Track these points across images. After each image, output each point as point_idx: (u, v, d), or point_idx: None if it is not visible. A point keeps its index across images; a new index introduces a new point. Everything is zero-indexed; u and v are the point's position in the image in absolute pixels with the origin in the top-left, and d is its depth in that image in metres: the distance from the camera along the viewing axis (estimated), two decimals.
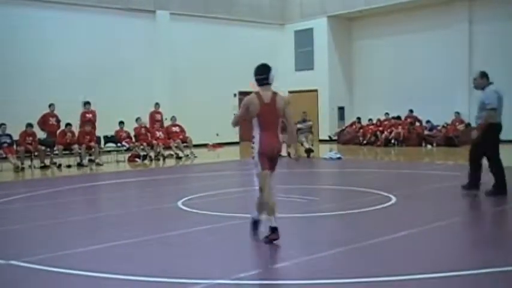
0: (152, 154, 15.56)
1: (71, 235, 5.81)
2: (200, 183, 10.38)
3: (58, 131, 14.67)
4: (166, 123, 17.04)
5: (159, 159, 15.47)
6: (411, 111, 19.48)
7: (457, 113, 18.76)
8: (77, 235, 5.80)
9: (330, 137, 21.65)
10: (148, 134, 15.89)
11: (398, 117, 19.54)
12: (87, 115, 15.32)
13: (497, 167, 7.36)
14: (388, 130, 19.05)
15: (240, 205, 7.61)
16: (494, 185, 7.40)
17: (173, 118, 16.86)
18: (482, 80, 7.42)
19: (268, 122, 5.04)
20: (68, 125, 14.71)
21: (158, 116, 16.68)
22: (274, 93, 5.09)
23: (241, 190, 8.92)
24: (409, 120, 19.21)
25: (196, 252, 4.83)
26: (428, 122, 18.94)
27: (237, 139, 21.72)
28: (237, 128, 21.83)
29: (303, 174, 11.31)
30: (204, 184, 10.13)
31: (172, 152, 16.06)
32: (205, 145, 19.72)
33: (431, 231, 5.49)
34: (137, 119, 16.00)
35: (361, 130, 20.03)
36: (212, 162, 14.86)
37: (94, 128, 15.13)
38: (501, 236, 5.41)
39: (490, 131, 7.28)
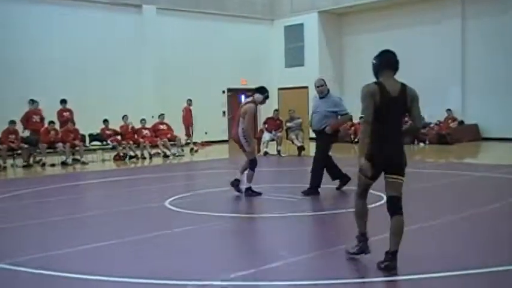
0: (139, 153, 15.49)
1: (55, 236, 5.76)
2: (188, 182, 10.35)
3: (42, 129, 14.54)
4: (154, 120, 16.97)
5: (145, 158, 15.41)
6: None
7: (449, 110, 18.88)
8: (61, 236, 5.74)
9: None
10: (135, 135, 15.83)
11: None
12: (64, 114, 15.19)
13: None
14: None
15: (229, 204, 7.59)
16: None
17: (161, 116, 16.79)
18: (325, 87, 8.01)
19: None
20: (52, 122, 14.59)
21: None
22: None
23: (231, 189, 8.86)
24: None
25: (185, 253, 4.81)
26: None
27: (226, 137, 21.69)
28: (225, 126, 21.86)
29: (293, 172, 11.32)
30: (192, 183, 10.10)
31: (159, 151, 16.01)
32: (193, 143, 19.69)
33: (423, 230, 5.51)
34: (123, 117, 15.92)
35: (353, 128, 20.08)
36: (201, 160, 14.82)
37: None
38: (499, 234, 5.44)
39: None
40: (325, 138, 7.97)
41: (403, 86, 4.20)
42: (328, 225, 6.09)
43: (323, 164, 7.97)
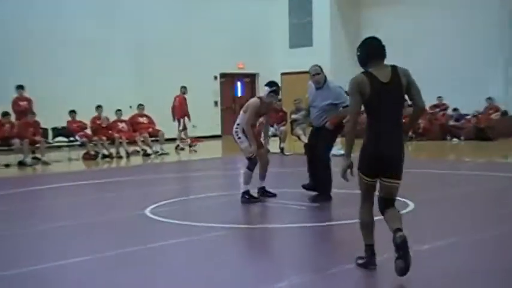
0: (113, 151, 15.51)
1: (10, 252, 5.75)
2: (173, 186, 10.36)
3: None
4: (132, 112, 16.99)
5: (121, 157, 15.43)
6: (441, 97, 19.49)
7: (490, 99, 18.90)
8: (18, 252, 5.73)
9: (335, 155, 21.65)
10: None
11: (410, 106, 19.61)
12: (21, 103, 15.07)
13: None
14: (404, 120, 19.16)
15: (222, 213, 7.60)
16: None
17: (140, 107, 16.80)
18: (321, 76, 8.00)
19: None
20: (6, 114, 14.50)
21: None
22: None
23: (224, 195, 8.89)
24: (439, 108, 19.29)
25: (168, 272, 4.82)
26: (455, 110, 19.07)
27: (218, 131, 21.70)
28: (217, 118, 21.87)
29: (299, 174, 11.32)
30: (178, 187, 10.12)
31: (138, 148, 16.02)
32: (189, 139, 19.71)
33: (459, 245, 5.52)
34: (97, 108, 15.91)
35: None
36: (188, 160, 14.81)
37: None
38: None
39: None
40: (327, 135, 7.98)
41: (393, 67, 4.46)
42: (339, 239, 6.12)
43: (328, 163, 7.99)
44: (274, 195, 8.22)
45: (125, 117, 16.56)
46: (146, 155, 15.79)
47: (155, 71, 19.94)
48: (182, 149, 17.43)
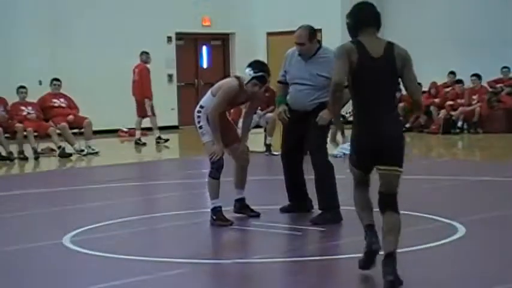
0: (14, 149, 15.38)
1: None
2: (105, 201, 10.29)
3: None
4: (43, 90, 16.85)
5: (26, 158, 15.32)
6: (507, 69, 19.73)
7: None
8: None
9: (343, 116, 21.69)
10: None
11: (459, 81, 19.70)
12: None
13: None
14: (451, 104, 19.22)
15: (177, 241, 7.63)
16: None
17: (55, 84, 16.62)
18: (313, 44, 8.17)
19: None
20: None
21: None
22: None
23: (182, 214, 8.91)
24: (498, 85, 19.41)
25: None
26: None
27: (174, 121, 21.64)
28: (173, 100, 21.79)
29: None
30: (112, 204, 10.03)
31: (53, 145, 15.94)
32: (115, 131, 19.59)
33: None
34: None
35: (402, 104, 20.12)
36: (127, 162, 14.74)
37: None
38: None
39: None
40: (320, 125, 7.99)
41: (390, 44, 5.28)
42: (340, 279, 6.17)
43: (330, 165, 8.10)
44: (257, 214, 8.21)
45: (32, 98, 16.40)
46: (65, 155, 15.68)
47: (77, 30, 19.91)
48: (158, 142, 17.60)
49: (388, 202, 5.34)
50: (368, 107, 5.24)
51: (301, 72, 8.11)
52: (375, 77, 5.18)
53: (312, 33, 8.13)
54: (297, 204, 8.33)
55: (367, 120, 5.25)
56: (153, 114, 17.73)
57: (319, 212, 8.00)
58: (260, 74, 7.82)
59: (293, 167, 8.20)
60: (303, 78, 8.08)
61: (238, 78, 8.03)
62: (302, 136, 8.02)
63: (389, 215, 5.34)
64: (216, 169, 7.88)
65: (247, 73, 7.84)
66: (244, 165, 8.12)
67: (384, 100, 5.25)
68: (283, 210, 8.35)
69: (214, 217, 7.86)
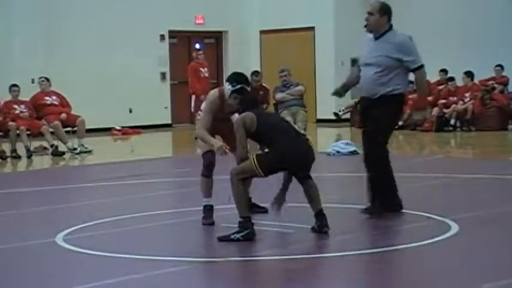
0: (7, 148, 15.37)
1: None
2: (97, 200, 10.28)
3: None
4: (35, 88, 16.81)
5: (19, 157, 15.29)
6: (499, 67, 19.68)
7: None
8: None
9: (337, 114, 21.70)
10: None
11: (451, 79, 19.69)
12: None
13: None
14: (444, 102, 19.23)
15: (170, 240, 7.64)
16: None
17: (43, 82, 16.55)
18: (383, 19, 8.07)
19: None
20: None
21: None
22: None
23: (171, 213, 8.96)
24: (491, 82, 19.38)
25: None
26: None
27: (167, 119, 21.59)
28: (166, 99, 21.76)
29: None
30: (106, 202, 10.02)
31: (46, 144, 15.88)
32: (108, 130, 19.54)
33: None
34: None
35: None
36: (122, 161, 14.72)
37: None
38: None
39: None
40: (388, 112, 7.94)
41: None
42: (358, 276, 6.12)
43: (384, 159, 8.03)
44: (264, 210, 8.10)
45: (25, 96, 16.35)
46: (58, 154, 15.65)
47: (70, 28, 19.84)
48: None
49: None
50: None
51: (370, 52, 8.06)
52: None
53: (384, 9, 8.04)
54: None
55: None
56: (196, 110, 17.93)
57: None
58: (238, 86, 7.61)
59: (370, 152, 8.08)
60: (370, 59, 8.02)
61: (220, 89, 7.91)
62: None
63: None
64: (206, 167, 7.84)
65: (227, 88, 7.67)
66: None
67: None
68: (369, 211, 8.10)
69: (204, 218, 7.87)
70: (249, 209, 7.72)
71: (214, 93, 7.88)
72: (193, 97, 17.97)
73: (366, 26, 8.08)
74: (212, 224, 7.84)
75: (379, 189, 7.99)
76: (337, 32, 21.94)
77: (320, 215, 7.12)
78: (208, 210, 7.90)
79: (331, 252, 6.96)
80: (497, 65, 19.61)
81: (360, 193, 8.55)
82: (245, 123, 6.96)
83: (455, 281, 5.62)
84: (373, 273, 6.06)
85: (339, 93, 8.44)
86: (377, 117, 7.88)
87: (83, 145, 16.06)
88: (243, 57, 21.52)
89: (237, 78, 7.69)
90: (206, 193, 7.90)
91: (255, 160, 6.89)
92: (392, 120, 8.18)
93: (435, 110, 19.15)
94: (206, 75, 18.50)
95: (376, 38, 8.02)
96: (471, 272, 5.87)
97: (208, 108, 7.74)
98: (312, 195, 7.16)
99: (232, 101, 7.60)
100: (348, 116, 21.26)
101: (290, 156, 7.00)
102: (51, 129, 15.83)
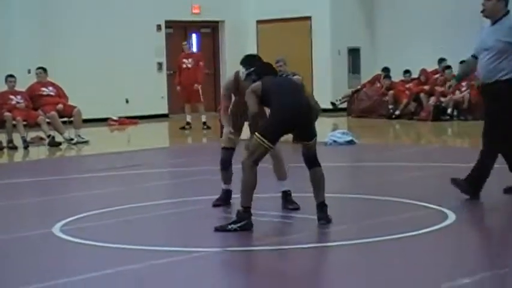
0: (3, 139, 15.35)
1: None
2: (94, 191, 10.29)
3: None
4: (32, 79, 16.79)
5: (16, 148, 15.29)
6: None
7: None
8: None
9: (333, 104, 21.76)
10: None
11: (447, 67, 19.67)
12: None
13: None
14: (441, 90, 19.24)
15: (169, 230, 7.66)
16: None
17: (40, 72, 16.53)
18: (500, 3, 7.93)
19: None
20: None
21: None
22: None
23: (168, 203, 8.98)
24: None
25: None
26: None
27: (164, 110, 21.59)
28: (163, 89, 21.75)
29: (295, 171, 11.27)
30: (102, 193, 10.03)
31: (42, 134, 15.89)
32: (104, 120, 19.54)
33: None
34: None
35: (391, 91, 20.13)
36: (119, 152, 14.73)
37: None
38: None
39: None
40: (506, 95, 7.86)
41: None
42: (356, 266, 6.12)
43: (498, 146, 8.18)
44: (297, 207, 7.97)
45: (21, 87, 16.33)
46: (54, 144, 15.64)
47: (66, 19, 19.82)
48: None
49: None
50: None
51: (486, 38, 8.01)
52: None
53: None
54: None
55: None
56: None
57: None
58: (252, 69, 7.64)
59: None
60: (486, 43, 7.96)
61: (236, 72, 8.04)
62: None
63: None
64: (220, 162, 8.10)
65: (241, 71, 7.73)
66: (272, 154, 7.89)
67: None
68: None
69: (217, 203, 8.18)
70: (283, 204, 7.97)
71: (230, 77, 8.21)
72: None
73: (482, 12, 8.01)
74: (218, 206, 8.09)
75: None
76: (333, 21, 21.94)
77: (320, 207, 7.12)
78: (224, 193, 8.14)
79: (328, 242, 7.01)
80: None
81: (357, 182, 8.57)
82: (253, 90, 7.11)
83: (453, 270, 5.61)
84: (368, 263, 6.08)
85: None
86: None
87: (79, 135, 16.03)
88: (240, 47, 21.41)
89: (250, 60, 7.85)
90: (224, 180, 8.15)
91: (258, 134, 6.94)
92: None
93: (432, 99, 19.17)
94: (189, 66, 18.55)
95: (493, 24, 7.99)
96: (469, 260, 5.90)
97: (224, 91, 8.13)
98: (315, 184, 7.19)
99: (248, 84, 7.64)
100: (344, 105, 21.34)
101: (284, 111, 7.07)
102: (47, 120, 15.84)
